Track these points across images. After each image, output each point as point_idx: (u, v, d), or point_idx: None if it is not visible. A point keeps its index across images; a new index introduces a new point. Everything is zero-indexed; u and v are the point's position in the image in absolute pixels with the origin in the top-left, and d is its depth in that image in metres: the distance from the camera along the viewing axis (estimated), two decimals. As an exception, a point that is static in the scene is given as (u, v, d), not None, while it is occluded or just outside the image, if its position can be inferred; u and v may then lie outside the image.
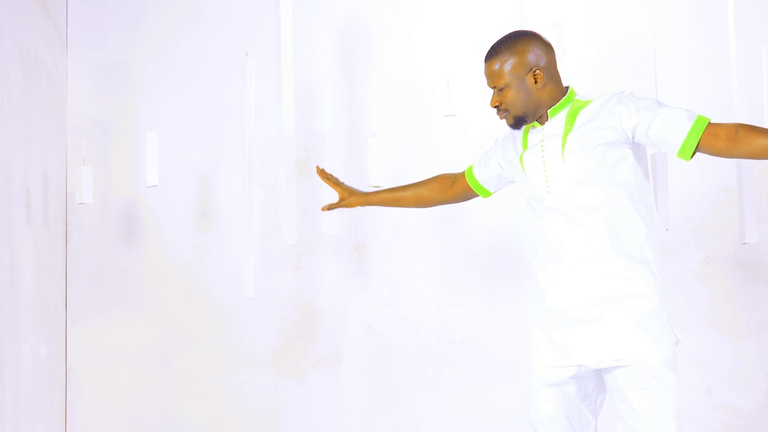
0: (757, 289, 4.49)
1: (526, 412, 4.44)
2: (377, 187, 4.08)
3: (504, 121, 2.93)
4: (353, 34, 4.81)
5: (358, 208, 4.34)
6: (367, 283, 4.70)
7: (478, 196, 3.26)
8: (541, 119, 2.90)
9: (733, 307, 4.52)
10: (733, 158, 3.06)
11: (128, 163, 4.81)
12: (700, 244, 4.56)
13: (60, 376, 4.68)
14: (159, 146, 4.31)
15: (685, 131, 2.70)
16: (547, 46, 2.89)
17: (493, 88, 2.89)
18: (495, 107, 2.90)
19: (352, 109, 4.77)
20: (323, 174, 3.38)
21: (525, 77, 2.86)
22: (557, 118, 2.88)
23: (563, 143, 2.83)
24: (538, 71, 2.86)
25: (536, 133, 2.92)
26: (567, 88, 2.93)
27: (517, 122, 2.90)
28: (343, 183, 3.40)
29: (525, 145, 2.94)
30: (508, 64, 2.85)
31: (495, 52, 2.88)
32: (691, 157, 2.72)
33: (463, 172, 3.27)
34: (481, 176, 3.20)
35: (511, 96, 2.87)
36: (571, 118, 2.85)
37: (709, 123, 2.70)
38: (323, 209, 3.44)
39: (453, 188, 3.28)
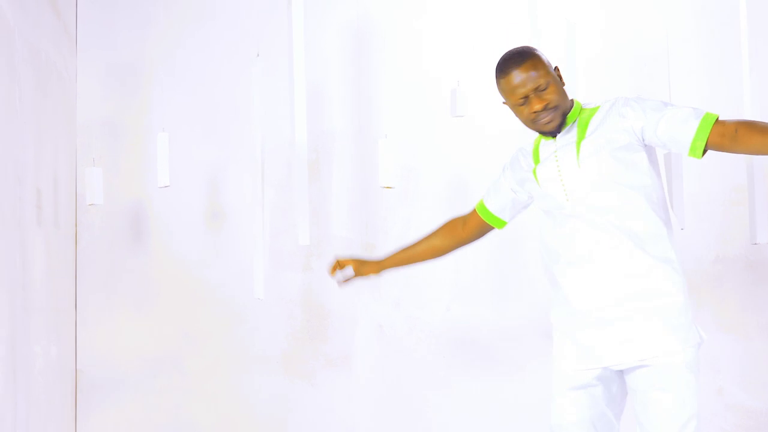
0: (768, 290, 4.49)
1: (538, 413, 4.43)
2: (389, 187, 4.08)
3: (545, 124, 2.87)
4: (363, 35, 4.81)
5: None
6: (377, 284, 4.70)
7: (493, 229, 3.19)
8: (554, 130, 2.90)
9: (744, 308, 4.52)
10: (742, 154, 3.04)
11: (138, 163, 4.81)
12: (711, 245, 4.55)
13: (70, 376, 4.67)
14: (169, 147, 4.30)
15: (693, 130, 2.73)
16: None
17: (534, 90, 2.83)
18: (541, 109, 2.84)
19: (361, 110, 4.76)
20: (341, 264, 3.29)
21: (554, 73, 2.88)
22: (569, 128, 2.90)
23: (578, 150, 2.84)
24: (557, 68, 2.91)
25: (548, 145, 2.93)
26: (572, 100, 2.95)
27: (562, 121, 2.88)
28: (354, 258, 3.31)
29: (537, 159, 2.95)
30: (540, 64, 2.85)
31: (521, 57, 2.85)
32: (703, 155, 2.74)
33: (473, 209, 3.21)
34: (494, 206, 3.14)
35: (554, 92, 2.85)
36: (583, 126, 2.87)
37: (717, 120, 2.72)
38: (340, 284, 3.33)
39: (465, 228, 3.21)
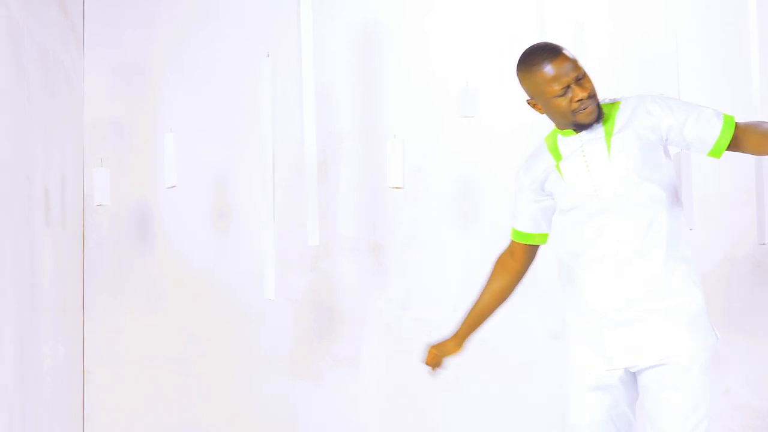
0: (776, 290, 4.49)
1: (546, 414, 4.44)
2: (398, 188, 4.07)
3: (587, 115, 2.81)
4: (370, 36, 4.80)
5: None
6: (384, 285, 4.69)
7: (540, 245, 3.09)
8: (592, 122, 2.85)
9: (752, 308, 4.52)
10: (753, 155, 3.08)
11: (145, 164, 4.80)
12: (719, 245, 4.55)
13: (77, 376, 4.67)
14: (176, 147, 4.30)
15: (717, 130, 2.77)
16: None
17: (575, 79, 2.77)
18: (586, 97, 2.78)
19: (368, 110, 4.76)
20: (434, 363, 3.22)
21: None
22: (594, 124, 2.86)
23: (608, 144, 2.82)
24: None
25: (572, 141, 2.88)
26: None
27: (600, 113, 2.83)
28: (435, 346, 3.22)
29: (558, 156, 2.90)
30: (571, 56, 2.81)
31: (554, 49, 2.80)
32: (721, 155, 2.79)
33: (510, 241, 3.11)
34: (527, 225, 3.04)
35: (591, 81, 2.81)
36: (610, 121, 2.85)
37: (735, 121, 2.79)
38: (434, 369, 3.24)
39: (515, 259, 3.10)
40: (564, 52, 2.80)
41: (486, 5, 4.75)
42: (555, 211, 3.00)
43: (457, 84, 4.54)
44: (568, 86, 2.78)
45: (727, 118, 2.78)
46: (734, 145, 2.78)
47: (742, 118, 3.81)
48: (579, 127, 2.85)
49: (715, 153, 2.79)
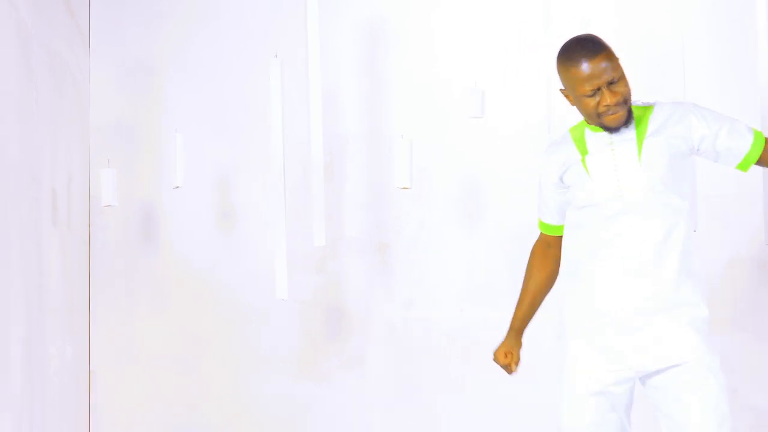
0: (782, 291, 4.49)
1: (551, 415, 4.42)
2: (405, 188, 4.07)
3: (613, 120, 2.77)
4: (376, 36, 4.80)
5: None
6: (390, 285, 4.70)
7: None
8: (619, 126, 2.82)
9: (758, 309, 4.51)
10: None
11: (151, 164, 4.81)
12: (724, 246, 4.55)
13: (84, 377, 4.68)
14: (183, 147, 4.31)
15: (749, 144, 2.81)
16: None
17: (607, 84, 2.73)
18: (614, 104, 2.74)
19: (375, 111, 4.76)
20: (509, 367, 3.23)
21: (622, 66, 2.80)
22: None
23: (640, 147, 2.80)
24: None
25: (601, 137, 2.83)
26: None
27: (629, 117, 2.80)
28: (501, 348, 3.24)
29: (585, 150, 2.85)
30: (612, 55, 2.76)
31: (595, 47, 2.74)
32: (748, 169, 2.85)
33: (540, 234, 3.10)
34: (555, 218, 3.01)
35: (625, 85, 2.77)
36: (643, 124, 2.82)
37: (765, 137, 2.85)
38: (514, 368, 3.25)
39: (552, 250, 3.07)
40: (602, 53, 2.73)
41: (491, 5, 4.75)
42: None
43: (463, 84, 4.54)
44: (599, 88, 2.73)
45: (758, 134, 2.81)
46: (762, 159, 2.82)
47: (747, 115, 3.83)
48: (606, 129, 2.81)
49: (743, 166, 2.82)
